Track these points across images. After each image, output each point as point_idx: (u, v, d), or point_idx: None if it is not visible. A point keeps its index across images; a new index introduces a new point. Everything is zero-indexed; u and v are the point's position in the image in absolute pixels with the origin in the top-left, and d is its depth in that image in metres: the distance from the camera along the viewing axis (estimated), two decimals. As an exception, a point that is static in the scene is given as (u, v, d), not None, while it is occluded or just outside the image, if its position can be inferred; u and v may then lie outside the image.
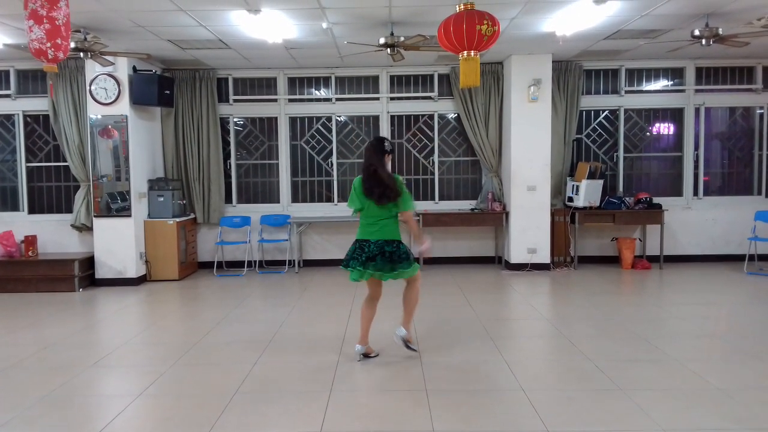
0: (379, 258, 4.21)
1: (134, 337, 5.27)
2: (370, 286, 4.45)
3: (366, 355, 4.44)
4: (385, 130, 8.62)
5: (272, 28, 6.30)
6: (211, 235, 8.58)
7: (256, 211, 8.63)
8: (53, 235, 8.03)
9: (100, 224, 7.52)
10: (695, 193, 8.62)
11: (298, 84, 8.69)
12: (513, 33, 6.66)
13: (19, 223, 7.94)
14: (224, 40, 6.77)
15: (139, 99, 7.50)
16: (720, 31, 5.96)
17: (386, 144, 4.37)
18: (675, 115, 8.66)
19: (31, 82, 8.11)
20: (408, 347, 4.45)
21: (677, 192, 8.66)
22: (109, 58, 6.67)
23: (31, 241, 7.56)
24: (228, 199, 8.69)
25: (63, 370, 4.32)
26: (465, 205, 8.61)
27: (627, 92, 8.53)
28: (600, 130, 8.66)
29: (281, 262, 8.61)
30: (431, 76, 8.59)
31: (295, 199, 8.81)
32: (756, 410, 3.40)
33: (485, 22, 4.38)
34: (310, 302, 6.53)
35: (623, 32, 6.70)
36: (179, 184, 8.28)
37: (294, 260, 8.53)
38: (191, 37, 6.67)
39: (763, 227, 8.17)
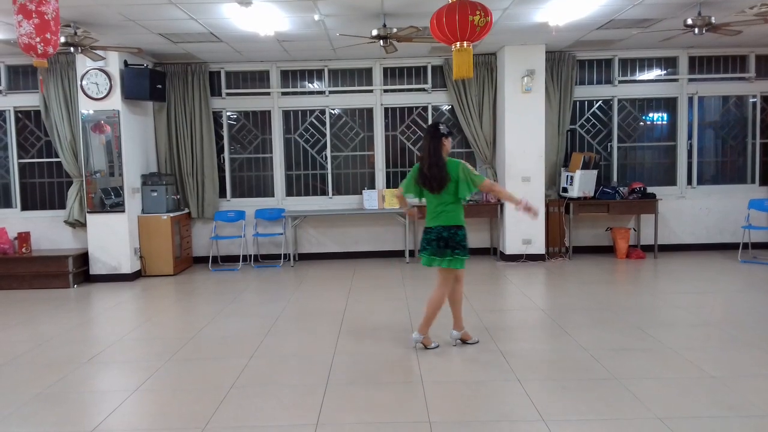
0: (435, 243, 4.23)
1: (130, 332, 5.26)
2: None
3: (464, 341, 4.50)
4: (379, 123, 8.60)
5: (264, 21, 6.26)
6: (206, 229, 8.56)
7: (250, 205, 8.61)
8: (46, 231, 7.99)
9: (93, 220, 7.48)
10: (689, 182, 8.65)
11: (291, 77, 8.64)
12: (506, 23, 6.64)
13: (11, 220, 7.90)
14: (216, 33, 6.73)
15: (130, 93, 7.45)
16: (713, 20, 5.95)
17: (441, 128, 4.31)
18: (668, 105, 8.67)
19: (22, 77, 8.05)
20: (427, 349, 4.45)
21: (671, 181, 8.68)
22: (100, 52, 6.62)
23: (24, 237, 7.53)
24: (222, 194, 8.66)
25: (58, 366, 4.31)
26: (460, 197, 8.59)
27: (620, 82, 8.53)
28: (594, 120, 8.66)
29: (276, 256, 8.60)
30: (425, 68, 8.57)
31: (289, 192, 8.79)
32: (751, 398, 3.43)
33: (478, 12, 4.36)
34: (306, 296, 6.53)
35: (616, 22, 6.69)
36: (173, 179, 8.24)
37: (289, 254, 8.52)
38: (182, 31, 6.63)
39: (757, 215, 8.20)
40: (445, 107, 8.66)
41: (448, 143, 4.32)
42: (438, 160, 4.24)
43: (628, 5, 6.05)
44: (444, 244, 4.22)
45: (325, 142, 8.68)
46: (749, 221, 8.05)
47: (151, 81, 7.51)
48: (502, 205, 8.16)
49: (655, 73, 8.62)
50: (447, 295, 4.44)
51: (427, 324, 4.43)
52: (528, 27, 6.85)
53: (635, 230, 8.52)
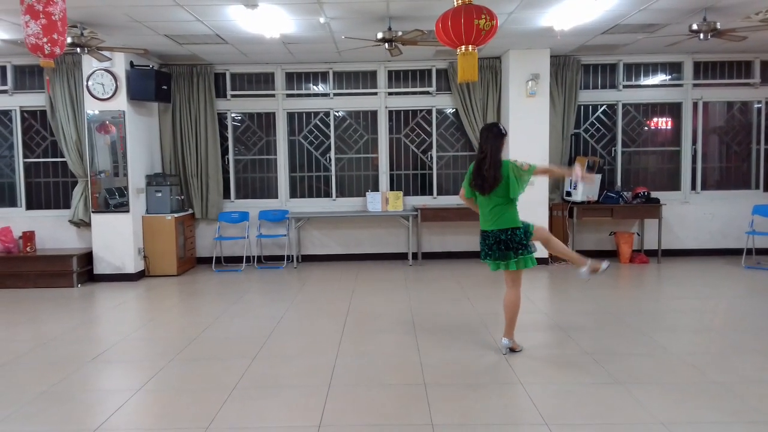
0: (495, 248, 4.24)
1: (133, 332, 5.27)
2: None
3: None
4: (383, 125, 8.61)
5: (270, 23, 6.29)
6: (210, 230, 8.58)
7: (254, 206, 8.63)
8: (51, 230, 8.02)
9: (98, 220, 7.51)
10: (693, 187, 8.64)
11: (296, 79, 8.67)
12: (511, 27, 6.65)
13: (16, 219, 7.93)
14: (221, 35, 6.75)
15: (136, 94, 7.48)
16: (718, 26, 5.96)
17: (501, 128, 4.28)
18: (673, 110, 8.66)
19: (28, 77, 8.09)
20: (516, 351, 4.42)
21: (675, 186, 8.67)
22: (106, 53, 6.65)
23: (29, 236, 7.56)
24: (226, 195, 8.68)
25: (62, 365, 4.32)
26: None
27: (625, 87, 8.53)
28: (598, 124, 8.66)
29: (280, 258, 8.61)
30: (429, 71, 8.58)
31: (293, 194, 8.81)
32: (753, 403, 3.42)
33: (483, 16, 4.38)
34: (309, 297, 6.53)
35: (621, 27, 6.70)
36: (177, 179, 8.27)
37: (292, 255, 8.53)
38: (188, 32, 6.66)
39: (761, 221, 8.18)
40: (450, 110, 8.67)
41: (505, 143, 4.31)
42: (498, 161, 4.20)
43: (634, 10, 6.06)
44: (505, 247, 4.21)
45: (329, 144, 8.70)
46: (753, 227, 8.03)
47: (156, 82, 7.54)
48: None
49: (660, 78, 8.62)
50: (520, 294, 4.38)
51: (511, 328, 4.38)
52: (533, 31, 6.86)
53: (639, 235, 8.51)
